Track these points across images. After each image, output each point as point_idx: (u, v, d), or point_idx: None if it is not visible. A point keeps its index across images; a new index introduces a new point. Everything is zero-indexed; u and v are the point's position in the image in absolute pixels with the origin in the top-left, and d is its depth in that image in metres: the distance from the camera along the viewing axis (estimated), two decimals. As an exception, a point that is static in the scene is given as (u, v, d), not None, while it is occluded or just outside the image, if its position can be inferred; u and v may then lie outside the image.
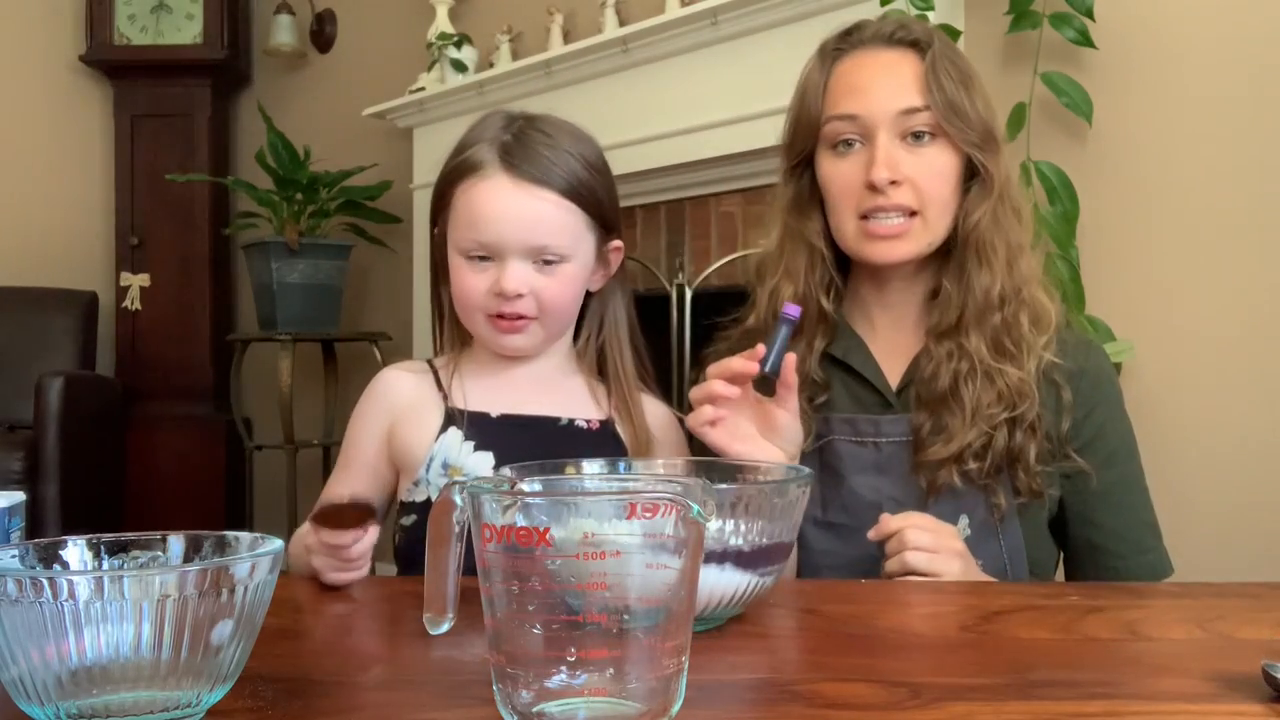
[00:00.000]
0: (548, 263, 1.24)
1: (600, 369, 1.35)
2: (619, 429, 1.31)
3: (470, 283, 1.25)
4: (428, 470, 1.26)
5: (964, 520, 1.21)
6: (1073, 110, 2.04)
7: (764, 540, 0.85)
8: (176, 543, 0.72)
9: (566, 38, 3.22)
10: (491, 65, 3.44)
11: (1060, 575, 1.36)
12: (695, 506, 0.63)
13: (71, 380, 3.61)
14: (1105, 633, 0.87)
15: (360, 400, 1.33)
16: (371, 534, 1.04)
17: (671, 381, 2.68)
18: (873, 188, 1.22)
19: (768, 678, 0.78)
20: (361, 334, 3.87)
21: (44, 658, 0.61)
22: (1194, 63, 1.97)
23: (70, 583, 0.60)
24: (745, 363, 1.11)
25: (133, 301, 4.22)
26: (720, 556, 0.83)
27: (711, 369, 1.14)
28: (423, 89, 3.59)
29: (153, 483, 4.12)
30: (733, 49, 2.68)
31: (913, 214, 1.23)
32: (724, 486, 0.86)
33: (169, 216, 4.24)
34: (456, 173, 1.26)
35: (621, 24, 3.00)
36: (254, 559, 0.65)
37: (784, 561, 0.89)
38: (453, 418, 1.28)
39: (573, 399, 1.31)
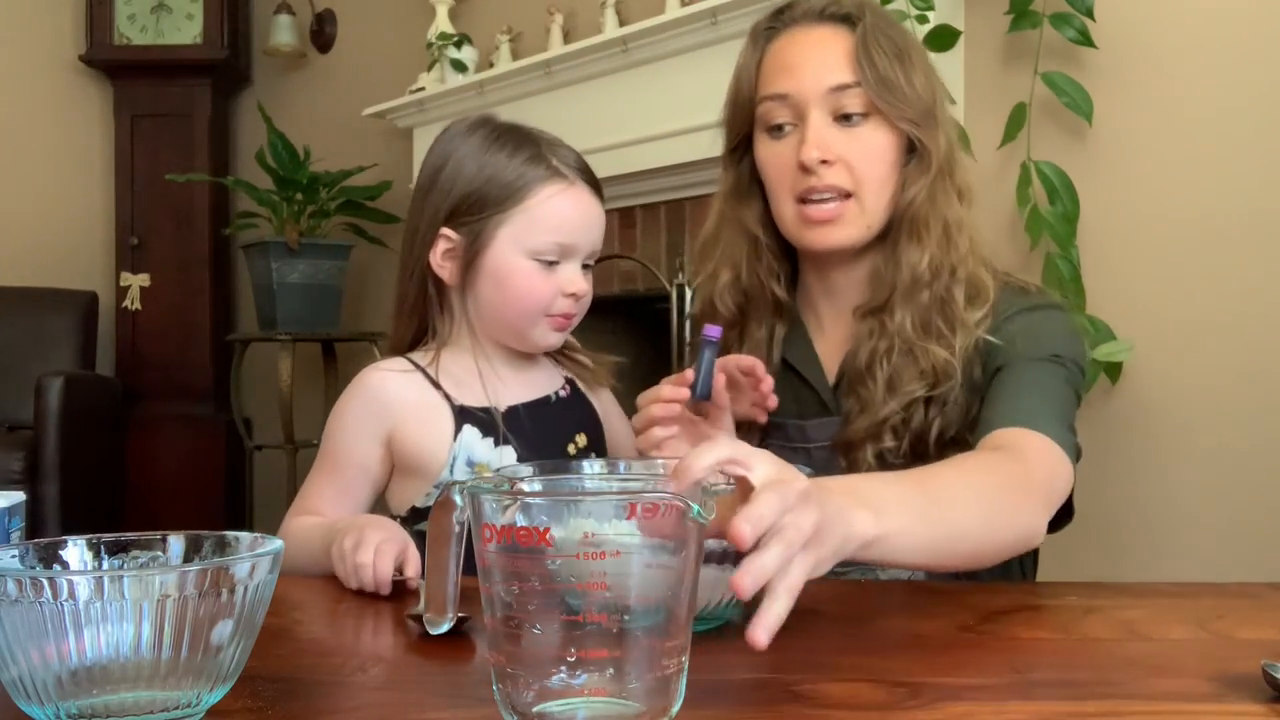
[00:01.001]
0: (586, 266, 1.34)
1: None
2: (580, 386, 1.41)
3: (538, 282, 1.29)
4: (451, 471, 1.27)
5: None
6: (1073, 110, 2.04)
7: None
8: (176, 543, 0.72)
9: (566, 38, 3.22)
10: (491, 65, 3.44)
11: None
12: (695, 507, 0.63)
13: (71, 380, 3.61)
14: (1105, 632, 0.87)
15: (345, 400, 1.32)
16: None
17: (671, 381, 2.68)
18: (804, 168, 1.18)
19: (768, 678, 0.78)
20: (361, 334, 3.87)
21: (44, 658, 0.61)
22: (1194, 62, 1.97)
23: (70, 583, 0.60)
24: (675, 390, 1.12)
25: (133, 301, 4.22)
26: (720, 556, 0.83)
27: (642, 398, 1.15)
28: (423, 89, 3.59)
29: (153, 483, 4.12)
30: (733, 49, 2.64)
31: (847, 195, 1.19)
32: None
33: (169, 216, 4.24)
34: (537, 178, 1.29)
35: (621, 24, 3.00)
36: (254, 559, 0.65)
37: (783, 561, 0.89)
38: (465, 416, 1.29)
39: (544, 375, 1.39)
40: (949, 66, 2.19)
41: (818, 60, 1.20)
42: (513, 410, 1.32)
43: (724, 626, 0.88)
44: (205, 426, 4.21)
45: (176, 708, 0.64)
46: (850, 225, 1.20)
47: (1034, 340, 1.17)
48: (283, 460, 3.78)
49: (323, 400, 3.94)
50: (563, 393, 1.37)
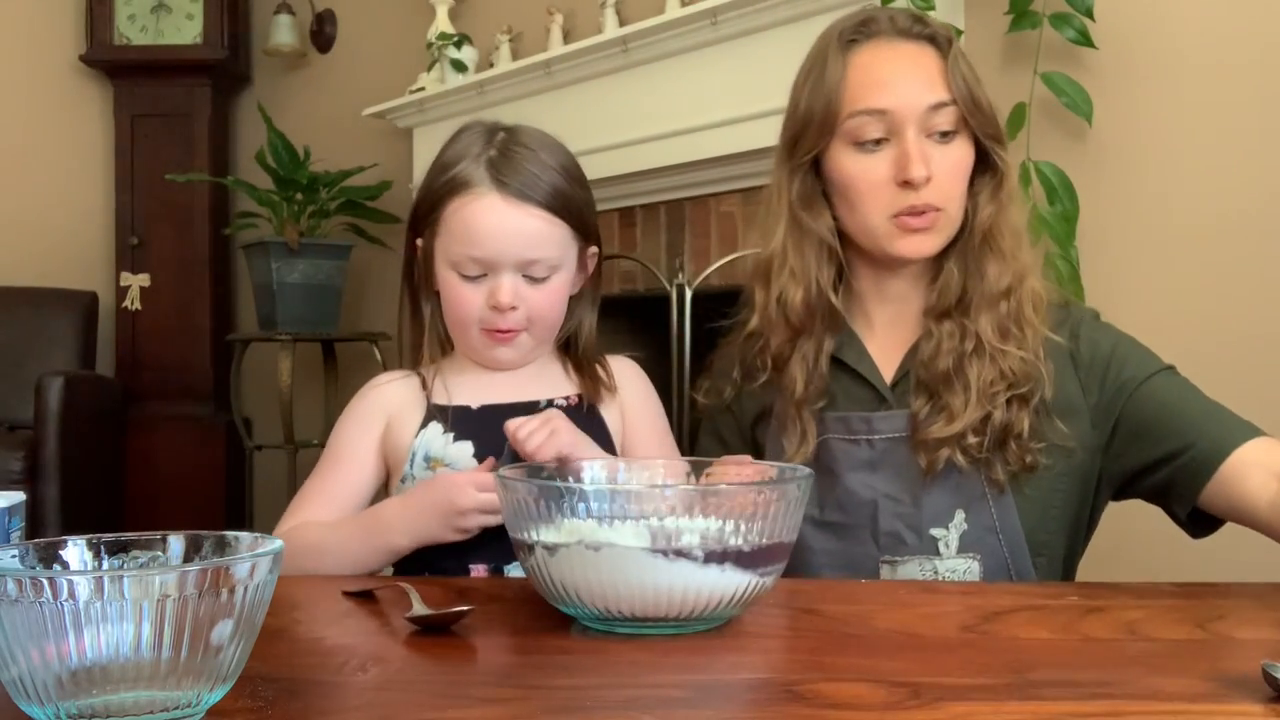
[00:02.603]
0: (536, 276, 1.28)
1: (566, 348, 1.40)
2: (594, 400, 1.36)
3: (465, 297, 1.28)
4: (411, 466, 1.29)
5: (960, 515, 1.21)
6: (1073, 110, 2.04)
7: (764, 540, 0.85)
8: (176, 543, 0.72)
9: (566, 38, 3.22)
10: (491, 65, 3.44)
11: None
12: None
13: (71, 380, 3.61)
14: (1105, 633, 0.87)
15: (351, 405, 1.36)
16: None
17: (671, 381, 2.68)
18: (908, 184, 1.20)
19: (768, 678, 0.79)
20: (361, 334, 3.87)
21: (44, 658, 0.61)
22: (1194, 62, 1.97)
23: (70, 583, 0.61)
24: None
25: (133, 301, 4.22)
26: (720, 556, 0.83)
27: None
28: (423, 89, 3.59)
29: (153, 483, 4.12)
30: (733, 49, 2.68)
31: (938, 209, 1.23)
32: (724, 486, 0.86)
33: (169, 216, 4.23)
34: (446, 189, 1.28)
35: (621, 24, 3.00)
36: (254, 559, 0.65)
37: (784, 561, 0.90)
38: (434, 414, 1.31)
39: (548, 381, 1.36)
40: (949, 66, 2.19)
41: (915, 78, 1.22)
42: (486, 409, 1.30)
43: (724, 626, 0.88)
44: (205, 426, 4.21)
45: (176, 708, 0.64)
46: (939, 235, 1.24)
47: (1135, 354, 1.27)
48: (283, 460, 3.78)
49: (323, 400, 3.94)
50: (562, 402, 1.33)
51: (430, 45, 3.56)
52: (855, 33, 1.25)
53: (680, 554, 0.83)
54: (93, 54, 4.27)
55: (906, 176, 1.20)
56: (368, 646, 0.91)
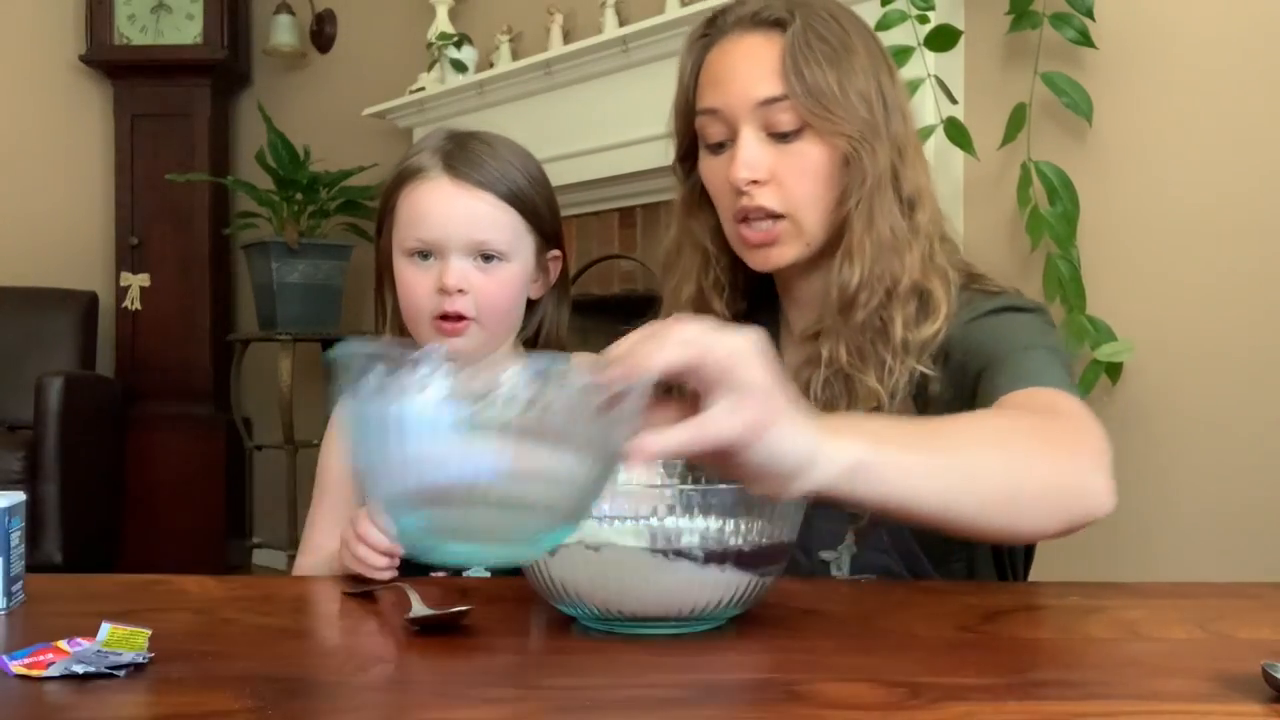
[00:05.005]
0: (487, 259, 1.27)
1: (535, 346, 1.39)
2: None
3: (414, 280, 1.27)
4: None
5: (850, 537, 1.13)
6: (1073, 110, 2.04)
7: (764, 540, 0.85)
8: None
9: (566, 38, 3.22)
10: (491, 65, 3.44)
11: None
12: None
13: (71, 380, 3.61)
14: (1105, 633, 0.87)
15: (329, 426, 1.37)
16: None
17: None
18: (739, 189, 1.12)
19: (768, 678, 0.79)
20: (361, 334, 3.85)
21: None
22: (1194, 62, 1.97)
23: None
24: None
25: (133, 301, 4.22)
26: (720, 556, 0.83)
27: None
28: (423, 89, 3.59)
29: (153, 483, 4.12)
30: (733, 49, 2.68)
31: (779, 217, 1.12)
32: (724, 487, 0.86)
33: (169, 216, 4.24)
34: (399, 179, 1.30)
35: (621, 24, 3.00)
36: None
37: (784, 561, 0.89)
38: None
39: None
40: (949, 66, 2.19)
41: (745, 72, 1.12)
42: None
43: (724, 626, 0.88)
44: (205, 426, 4.21)
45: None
46: (787, 245, 1.14)
47: (1010, 337, 1.08)
48: (283, 460, 3.79)
49: (322, 400, 3.93)
50: None
51: (430, 45, 3.57)
52: (705, 29, 1.19)
53: (680, 554, 0.83)
54: (93, 54, 4.28)
55: (731, 180, 1.12)
56: (368, 646, 0.91)
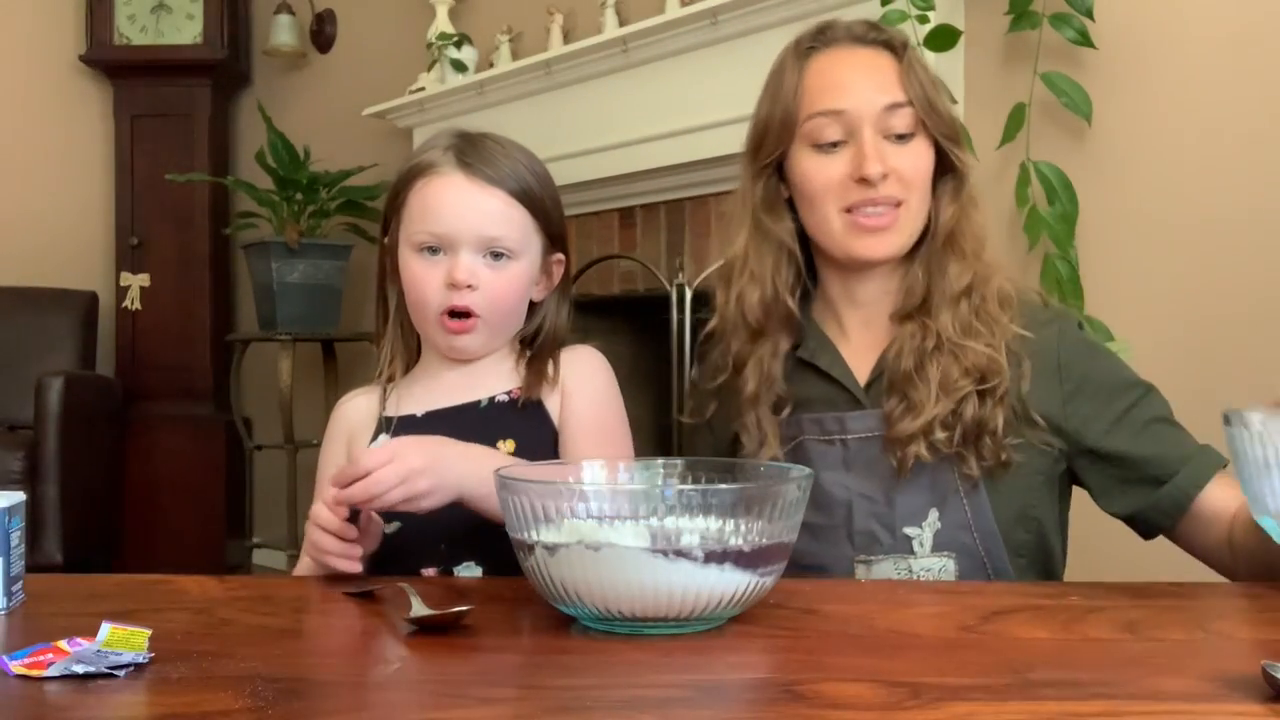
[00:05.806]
0: (496, 256, 1.27)
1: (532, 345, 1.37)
2: (532, 393, 1.30)
3: (422, 275, 1.27)
4: None
5: (934, 514, 1.21)
6: (1072, 110, 2.04)
7: (764, 540, 0.85)
8: None
9: (566, 38, 3.22)
10: (491, 65, 3.44)
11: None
12: None
13: (71, 380, 3.61)
14: (1105, 633, 0.87)
15: (327, 426, 1.38)
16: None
17: (671, 381, 2.68)
18: (863, 181, 1.23)
19: (768, 678, 0.79)
20: (361, 334, 3.86)
21: None
22: (1194, 62, 1.97)
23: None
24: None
25: (133, 301, 4.22)
26: (720, 556, 0.83)
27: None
28: (423, 89, 3.59)
29: (153, 483, 4.12)
30: (733, 49, 2.68)
31: (897, 204, 1.25)
32: (724, 487, 0.86)
33: (169, 216, 4.24)
34: (410, 175, 1.30)
35: (621, 24, 3.00)
36: None
37: (784, 561, 0.90)
38: (383, 425, 1.31)
39: (494, 378, 1.32)
40: (949, 66, 2.19)
41: (870, 80, 1.26)
42: (431, 415, 1.29)
43: (724, 626, 0.88)
44: (205, 426, 4.21)
45: None
46: (900, 233, 1.26)
47: (1105, 365, 1.29)
48: (283, 460, 3.79)
49: (323, 400, 3.94)
50: (504, 396, 1.30)
51: (430, 45, 3.57)
52: (813, 40, 1.30)
53: (680, 554, 0.83)
54: (92, 54, 4.28)
55: (863, 173, 1.23)
56: (368, 646, 0.91)
